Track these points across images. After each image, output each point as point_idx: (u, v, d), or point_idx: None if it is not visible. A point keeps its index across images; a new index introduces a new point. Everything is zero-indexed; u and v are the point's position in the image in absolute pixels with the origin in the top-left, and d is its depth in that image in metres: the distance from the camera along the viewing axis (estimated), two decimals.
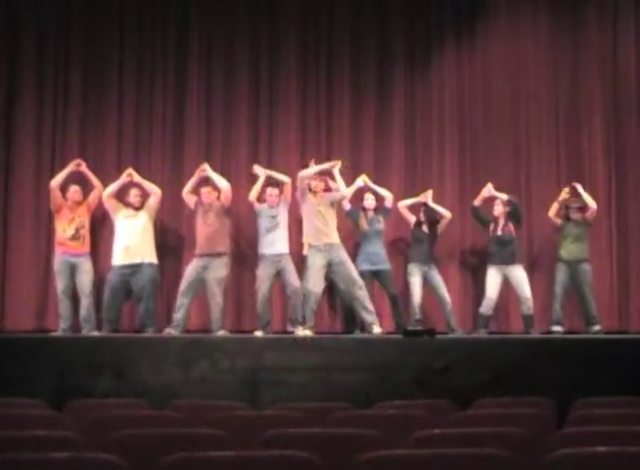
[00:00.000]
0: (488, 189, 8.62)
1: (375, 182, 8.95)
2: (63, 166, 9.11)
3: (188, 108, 9.34)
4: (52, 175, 9.11)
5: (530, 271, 9.07)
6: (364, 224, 8.41)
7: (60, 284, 8.26)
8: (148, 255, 8.24)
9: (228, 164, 9.32)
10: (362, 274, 8.11)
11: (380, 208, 8.56)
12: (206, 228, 8.17)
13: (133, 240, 8.21)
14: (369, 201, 8.53)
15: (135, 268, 8.17)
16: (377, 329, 7.65)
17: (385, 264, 8.38)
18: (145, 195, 8.43)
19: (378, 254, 8.37)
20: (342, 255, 7.82)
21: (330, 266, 7.75)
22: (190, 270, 8.15)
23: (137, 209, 8.35)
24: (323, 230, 7.81)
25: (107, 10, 9.35)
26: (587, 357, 6.51)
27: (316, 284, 7.66)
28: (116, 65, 9.30)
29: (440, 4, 9.64)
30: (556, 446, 3.04)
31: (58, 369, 6.41)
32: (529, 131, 9.48)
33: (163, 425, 3.83)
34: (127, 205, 8.42)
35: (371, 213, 8.49)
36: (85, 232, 8.31)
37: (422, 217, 8.67)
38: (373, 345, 6.95)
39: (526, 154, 9.47)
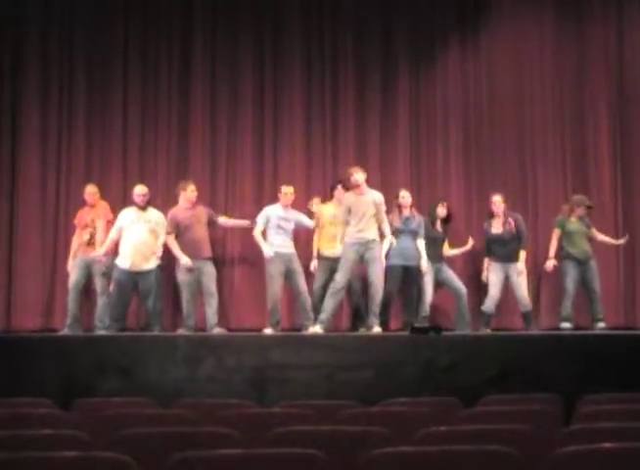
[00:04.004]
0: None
1: (381, 181, 8.97)
2: (69, 167, 9.16)
3: (193, 109, 9.35)
4: (58, 176, 9.15)
5: (536, 269, 9.06)
6: (397, 222, 8.28)
7: (72, 276, 8.28)
8: (155, 259, 8.25)
9: (233, 164, 9.33)
10: (393, 268, 8.09)
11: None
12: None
13: (142, 246, 8.17)
14: (405, 198, 8.38)
15: (144, 273, 8.21)
16: (377, 329, 7.63)
17: (416, 261, 8.30)
18: (150, 195, 8.41)
19: (410, 249, 8.27)
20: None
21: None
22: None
23: (142, 208, 8.31)
24: None
25: (111, 11, 9.36)
26: (594, 354, 6.50)
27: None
28: (121, 66, 9.31)
29: (444, 3, 9.63)
30: (563, 443, 3.03)
31: (65, 368, 6.43)
32: (534, 129, 9.47)
33: (171, 423, 3.84)
34: (131, 203, 8.41)
35: (406, 212, 8.37)
36: (100, 236, 8.27)
37: (440, 214, 8.53)
38: (379, 342, 6.95)
39: (532, 152, 9.46)
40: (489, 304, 8.42)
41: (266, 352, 6.56)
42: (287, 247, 8.18)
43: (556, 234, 8.65)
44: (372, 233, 7.65)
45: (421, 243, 8.35)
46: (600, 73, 9.49)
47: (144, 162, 9.28)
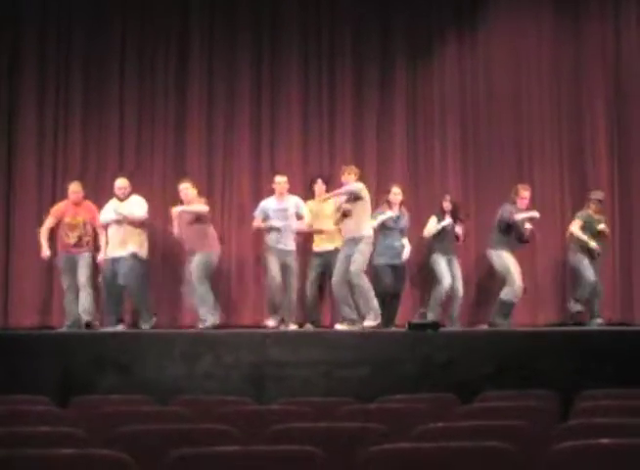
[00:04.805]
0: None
1: (377, 177, 8.98)
2: (65, 166, 9.14)
3: (190, 106, 9.34)
4: (54, 174, 9.13)
5: (534, 264, 9.08)
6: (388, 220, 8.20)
7: (64, 282, 8.27)
8: (130, 247, 8.10)
9: (230, 161, 9.33)
10: (380, 268, 8.08)
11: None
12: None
13: (114, 235, 8.13)
14: (396, 195, 8.26)
15: (119, 259, 8.10)
16: (368, 322, 7.54)
17: (400, 259, 8.28)
18: (130, 188, 8.29)
19: (397, 247, 8.24)
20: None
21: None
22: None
23: (122, 200, 8.23)
24: None
25: (108, 10, 9.34)
26: (591, 350, 6.51)
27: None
28: (118, 64, 9.29)
29: None
30: (560, 439, 3.03)
31: (62, 366, 6.43)
32: (532, 126, 9.47)
33: (168, 420, 3.84)
34: (113, 195, 8.34)
35: (395, 209, 8.27)
36: (89, 237, 8.23)
37: (445, 208, 8.44)
38: (376, 339, 6.95)
39: (529, 148, 9.46)
40: (517, 293, 8.21)
41: (264, 349, 6.57)
42: (282, 243, 8.12)
43: (578, 224, 8.54)
44: (356, 230, 7.61)
45: (406, 241, 8.34)
46: (597, 70, 9.49)
47: (140, 160, 9.27)
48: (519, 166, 9.43)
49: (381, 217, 8.10)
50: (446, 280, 8.34)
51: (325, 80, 9.45)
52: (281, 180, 8.31)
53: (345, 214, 7.67)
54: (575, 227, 8.57)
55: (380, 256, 8.13)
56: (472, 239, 9.14)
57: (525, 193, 8.42)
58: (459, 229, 8.55)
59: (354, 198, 7.66)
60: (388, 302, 8.39)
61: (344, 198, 7.74)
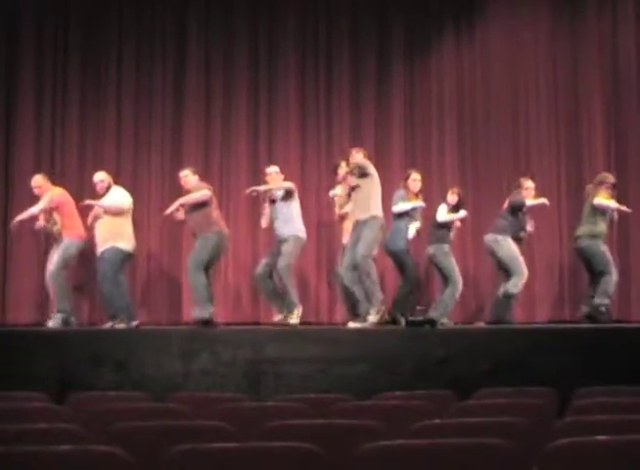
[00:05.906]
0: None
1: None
2: (63, 161, 9.13)
3: (187, 104, 9.34)
4: (52, 170, 9.10)
5: (531, 260, 9.09)
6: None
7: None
8: (111, 239, 7.68)
9: (227, 157, 9.34)
10: (405, 252, 7.85)
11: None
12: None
13: (100, 226, 7.76)
14: (416, 182, 7.88)
15: (99, 256, 7.78)
16: (372, 318, 7.30)
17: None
18: (108, 183, 7.92)
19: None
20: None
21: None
22: None
23: (102, 195, 7.86)
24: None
25: (105, 8, 9.33)
26: (588, 347, 6.52)
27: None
28: (115, 61, 9.30)
29: None
30: (557, 436, 3.04)
31: (59, 362, 6.42)
32: (529, 122, 9.49)
33: (165, 417, 3.84)
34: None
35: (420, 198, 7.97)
36: (59, 225, 7.81)
37: (454, 200, 8.10)
38: (374, 335, 6.95)
39: (526, 145, 9.48)
40: (522, 281, 7.93)
41: (261, 345, 6.56)
42: (277, 234, 7.81)
43: (603, 195, 8.18)
44: (365, 209, 7.32)
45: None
46: (595, 67, 9.51)
47: (138, 157, 9.26)
48: (516, 163, 9.45)
49: (415, 205, 7.78)
50: (460, 281, 8.01)
51: (322, 76, 9.46)
52: (271, 171, 7.97)
53: (353, 189, 7.35)
54: (600, 198, 8.10)
55: (402, 239, 7.82)
56: (469, 235, 9.14)
57: (527, 183, 8.21)
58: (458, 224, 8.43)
59: (362, 174, 7.31)
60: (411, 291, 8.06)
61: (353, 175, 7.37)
